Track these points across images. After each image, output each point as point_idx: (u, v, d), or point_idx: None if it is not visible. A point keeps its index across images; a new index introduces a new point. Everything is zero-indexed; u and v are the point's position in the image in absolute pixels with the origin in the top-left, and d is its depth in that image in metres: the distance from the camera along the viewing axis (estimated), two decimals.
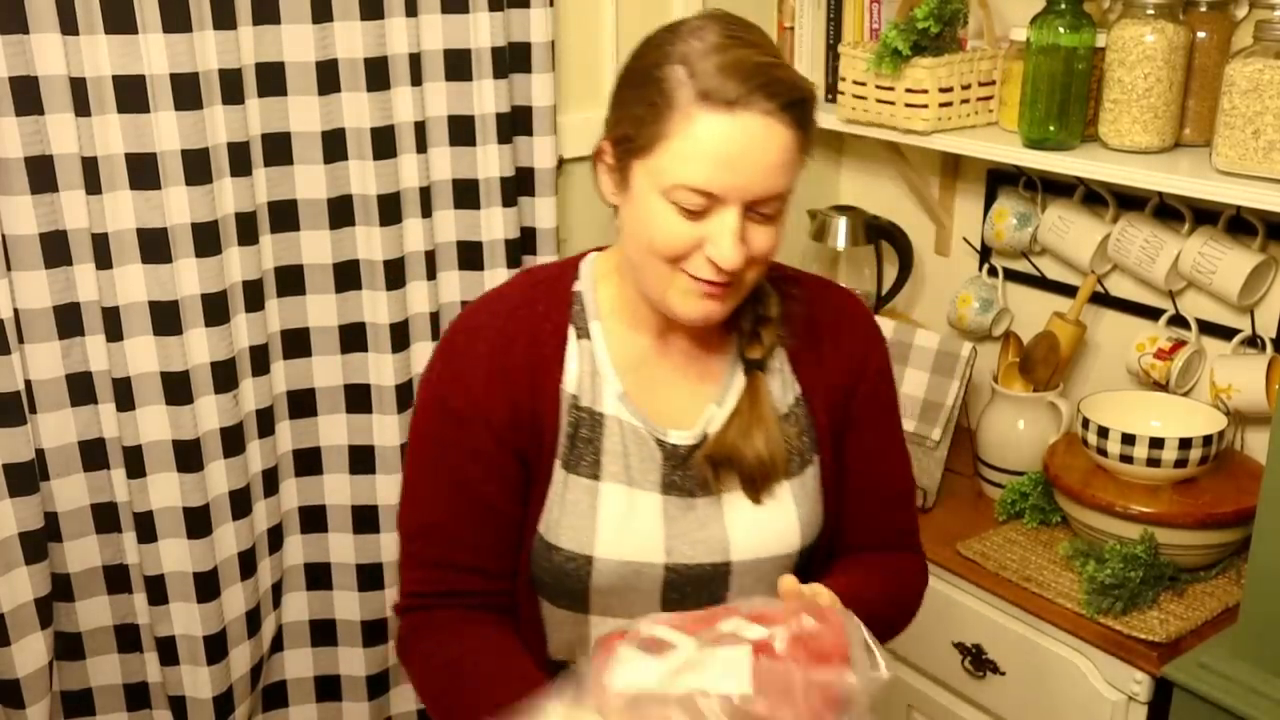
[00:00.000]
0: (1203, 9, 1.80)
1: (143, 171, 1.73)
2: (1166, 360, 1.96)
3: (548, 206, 2.09)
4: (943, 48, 1.98)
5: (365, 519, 2.07)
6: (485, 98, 1.98)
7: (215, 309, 1.83)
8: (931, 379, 2.05)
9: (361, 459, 2.05)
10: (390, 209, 1.94)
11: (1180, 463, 1.76)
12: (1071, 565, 1.80)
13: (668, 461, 1.19)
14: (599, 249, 1.26)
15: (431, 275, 2.02)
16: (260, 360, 1.92)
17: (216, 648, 1.95)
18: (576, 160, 2.14)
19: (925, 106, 1.98)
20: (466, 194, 2.03)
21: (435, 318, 2.04)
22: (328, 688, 2.17)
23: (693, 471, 1.19)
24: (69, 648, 1.92)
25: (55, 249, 1.73)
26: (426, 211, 1.99)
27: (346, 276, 1.96)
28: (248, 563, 1.97)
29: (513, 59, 1.99)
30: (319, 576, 2.11)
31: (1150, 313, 2.04)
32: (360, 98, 1.87)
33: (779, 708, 0.89)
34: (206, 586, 1.92)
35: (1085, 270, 2.07)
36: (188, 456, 1.86)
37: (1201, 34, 1.78)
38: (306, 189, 1.90)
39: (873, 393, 1.26)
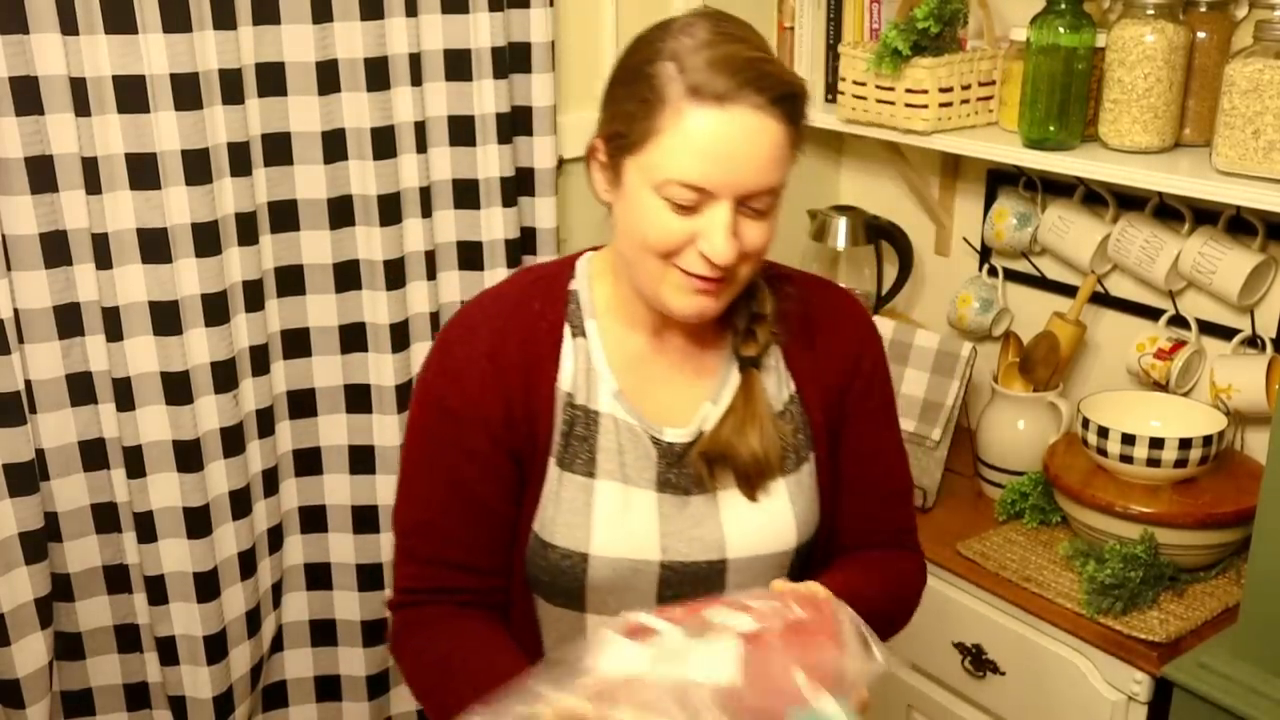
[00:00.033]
0: (1203, 9, 1.80)
1: (143, 171, 1.73)
2: (1166, 360, 1.96)
3: (548, 206, 2.09)
4: (943, 48, 1.98)
5: (365, 519, 2.07)
6: (485, 98, 1.98)
7: (215, 309, 1.83)
8: (931, 379, 2.05)
9: (361, 459, 2.05)
10: (390, 209, 1.94)
11: (1180, 463, 1.76)
12: (1071, 565, 1.80)
13: (663, 459, 1.19)
14: (595, 248, 1.26)
15: (431, 275, 2.02)
16: (260, 360, 1.92)
17: (216, 648, 1.95)
18: (576, 160, 2.14)
19: (925, 106, 1.98)
20: (466, 194, 2.03)
21: (435, 318, 2.04)
22: (328, 688, 2.17)
23: (688, 469, 1.20)
24: (69, 648, 1.92)
25: (55, 249, 1.73)
26: (426, 211, 1.99)
27: (346, 276, 1.96)
28: (248, 563, 1.97)
29: (513, 59, 1.99)
30: (319, 576, 2.11)
31: (1150, 313, 2.04)
32: (360, 98, 1.87)
33: (766, 696, 0.89)
34: (206, 586, 1.92)
35: (1085, 270, 2.07)
36: (188, 456, 1.86)
37: (1201, 34, 1.78)
38: (306, 189, 1.90)
39: (867, 389, 1.26)
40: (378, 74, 1.87)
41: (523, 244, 2.09)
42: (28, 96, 1.64)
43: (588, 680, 0.91)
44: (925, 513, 2.03)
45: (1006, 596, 1.80)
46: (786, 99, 1.07)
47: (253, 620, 2.01)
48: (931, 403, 2.04)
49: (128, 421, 1.82)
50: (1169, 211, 1.97)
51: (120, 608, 1.94)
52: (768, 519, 1.21)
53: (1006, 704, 1.84)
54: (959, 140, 2.00)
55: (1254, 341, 1.91)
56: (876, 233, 2.31)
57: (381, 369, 2.00)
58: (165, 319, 1.80)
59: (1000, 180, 2.22)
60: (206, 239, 1.79)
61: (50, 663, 1.84)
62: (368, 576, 2.10)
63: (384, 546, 2.08)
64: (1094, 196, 2.08)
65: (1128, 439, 1.77)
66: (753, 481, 1.20)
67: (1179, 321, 2.00)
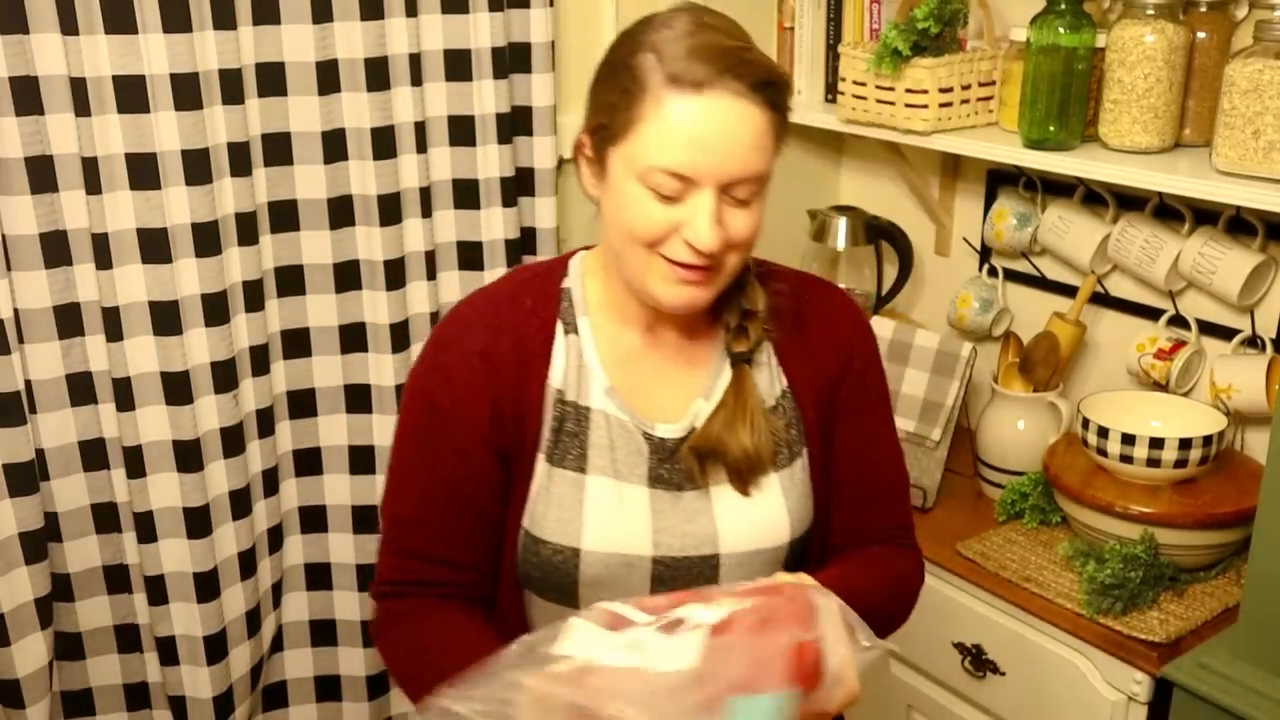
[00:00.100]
0: (1203, 9, 1.80)
1: (143, 171, 1.73)
2: (1166, 360, 1.96)
3: (548, 206, 2.09)
4: (943, 48, 1.98)
5: (365, 519, 2.07)
6: (485, 98, 1.98)
7: (215, 309, 1.83)
8: (931, 379, 2.05)
9: (361, 459, 2.05)
10: (390, 209, 1.94)
11: (1180, 463, 1.76)
12: (1071, 565, 1.80)
13: (654, 455, 1.20)
14: (587, 247, 1.27)
15: (431, 275, 2.02)
16: (260, 360, 1.93)
17: (216, 648, 1.95)
18: None
19: (925, 107, 1.98)
20: (466, 194, 2.03)
21: (435, 318, 2.04)
22: (328, 688, 2.17)
23: (680, 464, 1.20)
24: (69, 648, 1.92)
25: (55, 249, 1.73)
26: (426, 212, 1.99)
27: (346, 276, 1.96)
28: (248, 563, 1.97)
29: (513, 59, 1.99)
30: (319, 576, 2.11)
31: (1150, 313, 2.04)
32: (360, 98, 1.87)
33: (721, 685, 0.89)
34: (206, 586, 1.92)
35: (1085, 270, 2.07)
36: (188, 456, 1.86)
37: (1201, 34, 1.78)
38: (306, 189, 1.90)
39: (859, 384, 1.27)
40: (378, 74, 1.87)
41: (523, 244, 2.09)
42: (28, 96, 1.64)
43: (560, 667, 0.91)
44: (925, 513, 2.03)
45: (1006, 596, 1.80)
46: (767, 86, 1.08)
47: (253, 620, 2.01)
48: (931, 403, 2.04)
49: (128, 421, 1.82)
50: (1169, 212, 1.97)
51: (120, 608, 1.94)
52: (761, 514, 1.21)
53: (1006, 704, 1.84)
54: (959, 140, 2.00)
55: (1254, 341, 1.91)
56: (876, 233, 2.31)
57: (381, 369, 2.00)
58: (165, 319, 1.80)
59: (1000, 180, 2.22)
60: (206, 239, 1.79)
61: (50, 663, 1.84)
62: (368, 576, 2.09)
63: None
64: (1094, 196, 2.08)
65: (1128, 439, 1.77)
66: (744, 477, 1.20)
67: (1179, 321, 2.00)
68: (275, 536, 2.04)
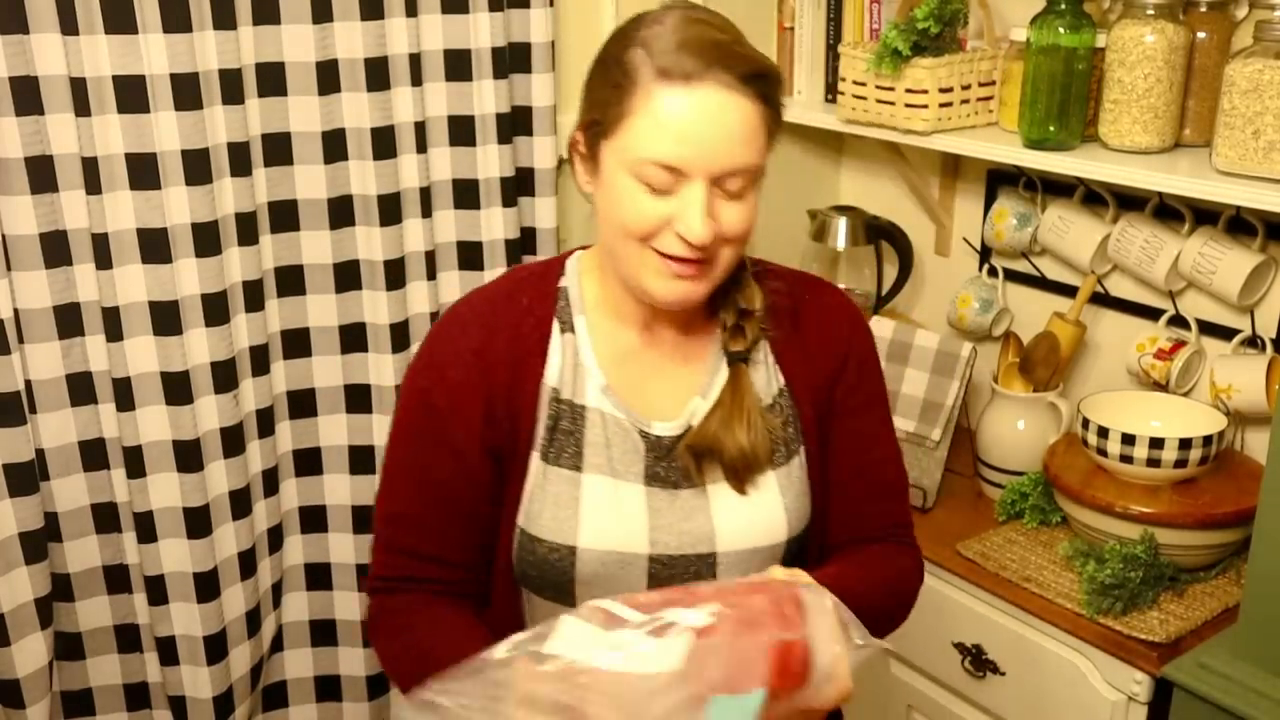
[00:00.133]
0: (1203, 9, 1.80)
1: (143, 171, 1.73)
2: (1166, 360, 1.96)
3: (548, 206, 2.09)
4: (943, 48, 1.98)
5: (365, 519, 2.07)
6: (485, 98, 1.98)
7: (215, 309, 1.83)
8: (931, 379, 2.04)
9: (361, 459, 2.05)
10: (390, 209, 1.94)
11: (1180, 463, 1.76)
12: (1071, 565, 1.80)
13: (651, 453, 1.20)
14: (584, 247, 1.28)
15: (432, 275, 2.02)
16: (260, 360, 1.93)
17: (216, 648, 1.95)
18: None
19: (925, 107, 1.98)
20: (466, 194, 2.03)
21: (435, 318, 2.04)
22: (328, 688, 2.17)
23: (676, 463, 1.20)
24: (69, 648, 1.92)
25: (55, 249, 1.73)
26: (426, 212, 1.99)
27: (346, 276, 1.97)
28: (248, 563, 1.97)
29: (513, 59, 1.99)
30: (319, 576, 2.11)
31: (1150, 313, 2.04)
32: (360, 98, 1.87)
33: (704, 685, 0.89)
34: (206, 586, 1.92)
35: (1085, 270, 2.07)
36: (188, 456, 1.86)
37: (1201, 34, 1.78)
38: (306, 189, 1.90)
39: (856, 382, 1.27)
40: (378, 74, 1.87)
41: (523, 244, 2.09)
42: (28, 96, 1.64)
43: (549, 667, 0.91)
44: (925, 513, 2.03)
45: (1006, 597, 1.80)
46: (757, 78, 1.09)
47: (253, 620, 2.01)
48: (931, 403, 2.04)
49: (128, 421, 1.82)
50: (1169, 212, 1.97)
51: (120, 608, 1.94)
52: (758, 512, 1.21)
53: (1006, 704, 1.84)
54: (959, 140, 2.00)
55: (1254, 341, 1.91)
56: (876, 233, 2.31)
57: (381, 369, 2.00)
58: (165, 319, 1.80)
59: (1000, 180, 2.22)
60: (206, 239, 1.79)
61: (50, 663, 1.84)
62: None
63: None
64: (1094, 196, 2.08)
65: (1128, 439, 1.77)
66: (741, 475, 1.20)
67: (1179, 322, 2.00)
68: (275, 536, 2.04)
